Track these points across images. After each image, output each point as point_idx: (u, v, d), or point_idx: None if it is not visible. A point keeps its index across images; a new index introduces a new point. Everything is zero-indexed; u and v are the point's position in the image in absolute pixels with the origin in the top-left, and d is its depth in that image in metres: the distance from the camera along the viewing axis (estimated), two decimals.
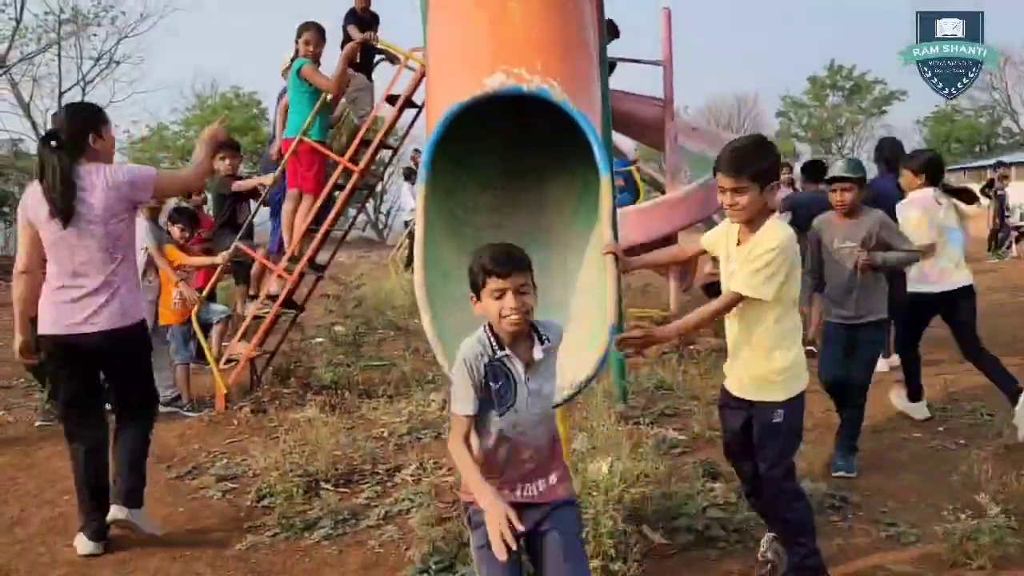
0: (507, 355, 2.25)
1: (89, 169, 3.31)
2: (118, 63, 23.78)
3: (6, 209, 18.41)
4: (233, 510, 3.87)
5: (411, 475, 4.14)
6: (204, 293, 5.94)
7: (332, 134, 6.51)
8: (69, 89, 22.89)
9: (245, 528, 3.64)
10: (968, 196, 5.06)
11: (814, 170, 7.38)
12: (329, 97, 5.98)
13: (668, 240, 6.96)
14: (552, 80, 3.52)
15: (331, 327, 6.88)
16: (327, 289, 6.67)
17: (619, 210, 5.84)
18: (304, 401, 5.45)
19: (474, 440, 2.29)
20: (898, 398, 5.12)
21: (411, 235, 11.38)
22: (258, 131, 26.41)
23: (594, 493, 3.18)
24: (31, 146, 22.36)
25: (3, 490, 4.23)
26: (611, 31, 6.98)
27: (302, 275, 5.95)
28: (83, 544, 3.39)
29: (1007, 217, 16.74)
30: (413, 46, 5.90)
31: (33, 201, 3.33)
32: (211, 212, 7.31)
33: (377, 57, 6.58)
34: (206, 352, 5.87)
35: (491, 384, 2.25)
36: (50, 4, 22.98)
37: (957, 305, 4.79)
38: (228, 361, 5.89)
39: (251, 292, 6.75)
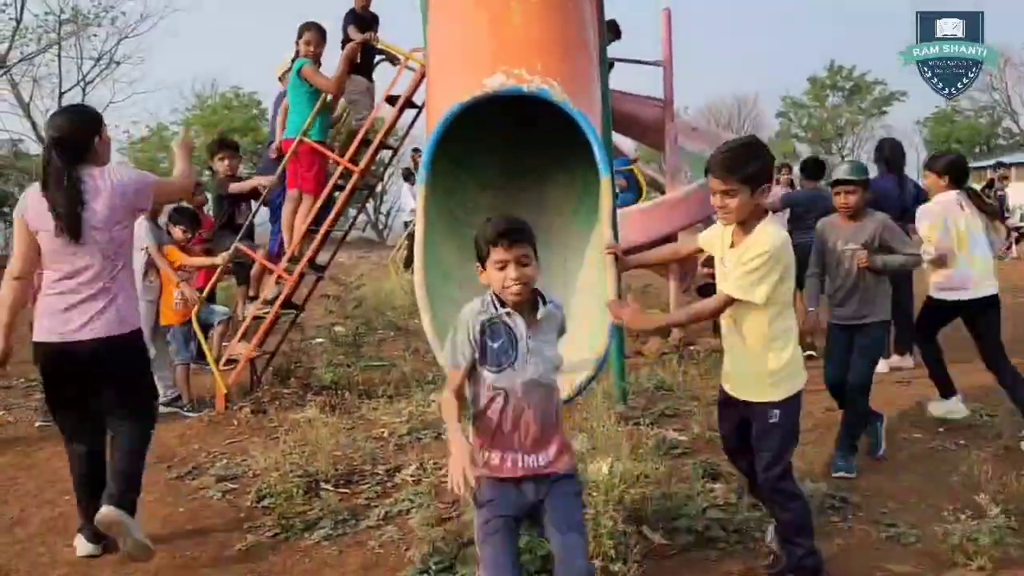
0: (508, 312, 2.35)
1: (93, 173, 3.21)
2: (118, 63, 23.76)
3: (6, 209, 18.40)
4: (233, 510, 3.87)
5: (411, 475, 4.14)
6: (204, 294, 5.94)
7: (332, 134, 6.51)
8: (69, 89, 22.90)
9: (245, 528, 3.63)
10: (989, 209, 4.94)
11: (812, 168, 7.39)
12: (329, 97, 5.99)
13: (668, 240, 6.95)
14: (552, 80, 3.52)
15: (331, 327, 6.89)
16: (327, 290, 6.67)
17: (620, 210, 5.84)
18: (304, 401, 5.45)
19: (470, 394, 2.41)
20: (935, 406, 4.95)
21: (411, 236, 11.38)
22: (258, 131, 26.39)
23: (594, 494, 3.18)
24: (31, 146, 22.39)
25: (3, 490, 4.23)
26: (614, 32, 6.98)
27: (302, 276, 5.96)
28: (82, 545, 3.39)
29: (1007, 218, 16.73)
30: (413, 46, 5.90)
31: (35, 207, 3.20)
32: (211, 213, 7.31)
33: (377, 58, 6.58)
34: (206, 352, 5.87)
35: (489, 342, 2.34)
36: (50, 4, 22.95)
37: (981, 315, 4.66)
38: (228, 362, 5.89)
39: (251, 293, 6.75)
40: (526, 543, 2.87)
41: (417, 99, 6.00)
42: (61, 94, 22.54)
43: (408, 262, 10.56)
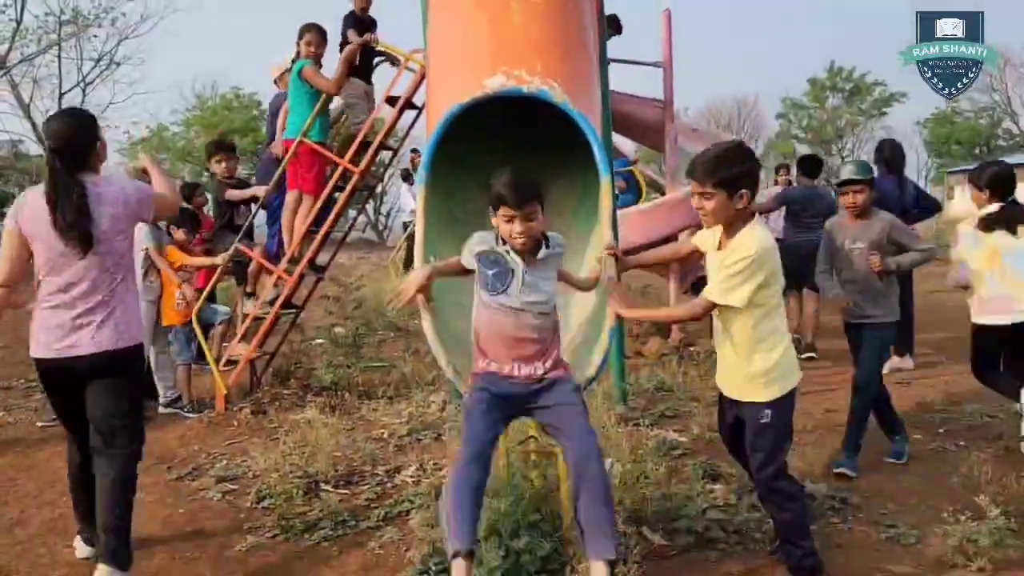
0: (507, 249, 2.68)
1: (96, 180, 3.09)
2: (118, 64, 23.78)
3: (6, 210, 18.39)
4: (233, 511, 3.87)
5: (411, 476, 4.14)
6: (204, 294, 5.94)
7: (332, 135, 6.51)
8: (70, 90, 22.92)
9: (245, 529, 3.63)
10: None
11: (809, 165, 7.38)
12: (332, 100, 5.99)
13: (668, 241, 6.95)
14: (552, 81, 3.52)
15: (331, 328, 6.89)
16: (327, 290, 6.67)
17: (619, 211, 5.84)
18: (304, 402, 5.45)
19: (474, 313, 2.77)
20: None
21: (410, 236, 11.37)
22: (258, 132, 26.36)
23: None
24: (31, 147, 22.43)
25: (3, 491, 4.23)
26: (615, 27, 6.97)
27: (302, 276, 5.96)
28: (81, 548, 3.39)
29: None
30: (413, 47, 5.90)
31: (33, 212, 3.04)
32: (211, 213, 7.31)
33: (377, 60, 6.58)
34: (206, 353, 5.87)
35: (485, 269, 2.70)
36: (50, 5, 23.05)
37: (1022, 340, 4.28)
38: (228, 362, 5.89)
39: (248, 290, 6.75)
40: (526, 543, 2.87)
41: (417, 100, 6.00)
42: (61, 95, 22.57)
43: (408, 263, 10.55)
